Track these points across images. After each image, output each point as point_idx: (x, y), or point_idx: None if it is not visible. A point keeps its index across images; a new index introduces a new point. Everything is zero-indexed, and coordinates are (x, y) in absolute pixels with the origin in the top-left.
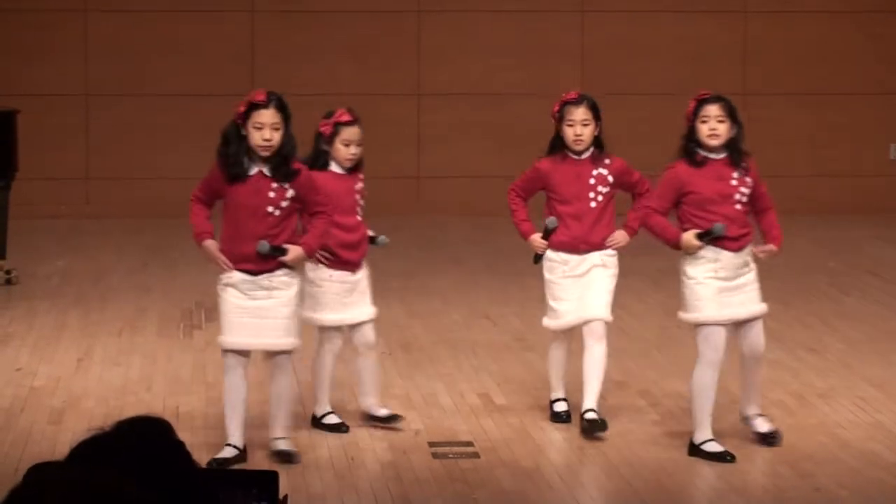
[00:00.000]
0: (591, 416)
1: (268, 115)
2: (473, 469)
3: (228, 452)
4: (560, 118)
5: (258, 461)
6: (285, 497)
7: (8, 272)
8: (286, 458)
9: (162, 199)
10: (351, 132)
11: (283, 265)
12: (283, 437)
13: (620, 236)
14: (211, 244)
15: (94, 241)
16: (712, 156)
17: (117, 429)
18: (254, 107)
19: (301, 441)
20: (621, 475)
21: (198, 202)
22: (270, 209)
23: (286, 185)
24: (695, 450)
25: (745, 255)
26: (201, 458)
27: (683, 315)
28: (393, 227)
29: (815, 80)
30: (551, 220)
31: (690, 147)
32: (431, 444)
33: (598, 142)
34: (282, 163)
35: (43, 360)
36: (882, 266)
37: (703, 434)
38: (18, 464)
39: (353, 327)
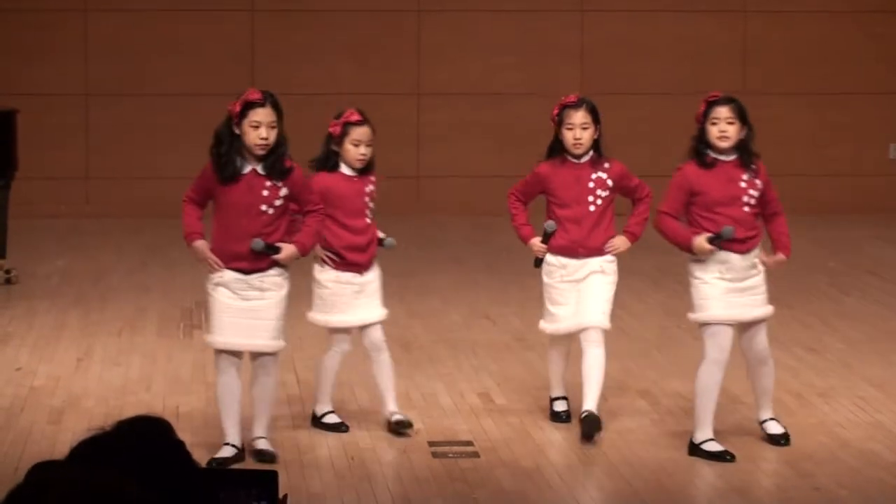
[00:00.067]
0: (587, 414)
1: (264, 114)
2: (473, 469)
3: (227, 452)
4: (559, 122)
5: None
6: (285, 497)
7: (8, 272)
8: (265, 457)
9: (162, 198)
10: (360, 132)
11: (276, 264)
12: (263, 437)
13: (620, 242)
14: (201, 244)
15: (94, 240)
16: (722, 157)
17: (117, 429)
18: (250, 105)
19: (301, 441)
20: (621, 475)
21: (190, 203)
22: (264, 207)
23: (279, 184)
24: (695, 449)
25: (753, 258)
26: (201, 457)
27: (691, 315)
28: (393, 227)
29: (816, 80)
30: (550, 224)
31: (700, 148)
32: (431, 444)
33: (596, 146)
34: (276, 161)
35: (43, 360)
36: (882, 266)
37: (704, 433)
38: (18, 463)
39: (362, 329)
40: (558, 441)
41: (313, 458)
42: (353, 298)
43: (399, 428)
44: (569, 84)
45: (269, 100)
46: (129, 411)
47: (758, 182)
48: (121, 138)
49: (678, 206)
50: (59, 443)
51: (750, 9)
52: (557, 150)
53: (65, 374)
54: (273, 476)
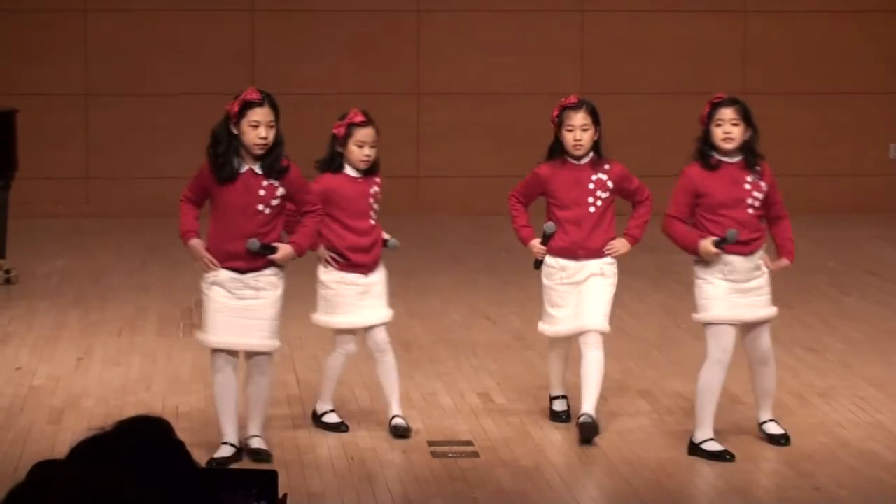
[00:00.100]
0: (584, 419)
1: (263, 113)
2: (473, 468)
3: (226, 451)
4: (559, 123)
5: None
6: (284, 496)
7: (7, 271)
8: (260, 456)
9: (161, 198)
10: (364, 133)
11: (272, 264)
12: (258, 436)
13: (620, 244)
14: (197, 243)
15: (94, 240)
16: (726, 159)
17: (117, 429)
18: (249, 105)
19: (301, 441)
20: (621, 475)
21: (187, 202)
22: (260, 207)
23: (276, 183)
24: (694, 448)
25: (757, 259)
26: (201, 457)
27: (695, 315)
28: (392, 227)
29: (816, 80)
30: (549, 226)
31: (705, 150)
32: (431, 444)
33: (597, 147)
34: (273, 160)
35: (43, 360)
36: (882, 266)
37: (704, 433)
38: (18, 463)
39: (367, 330)
40: (558, 441)
41: (313, 458)
42: (358, 299)
43: (396, 433)
44: (569, 84)
45: (268, 99)
46: (129, 411)
47: (762, 184)
48: (121, 138)
49: (685, 209)
50: (59, 442)
51: (750, 9)
52: (557, 151)
53: (65, 374)
54: (273, 476)
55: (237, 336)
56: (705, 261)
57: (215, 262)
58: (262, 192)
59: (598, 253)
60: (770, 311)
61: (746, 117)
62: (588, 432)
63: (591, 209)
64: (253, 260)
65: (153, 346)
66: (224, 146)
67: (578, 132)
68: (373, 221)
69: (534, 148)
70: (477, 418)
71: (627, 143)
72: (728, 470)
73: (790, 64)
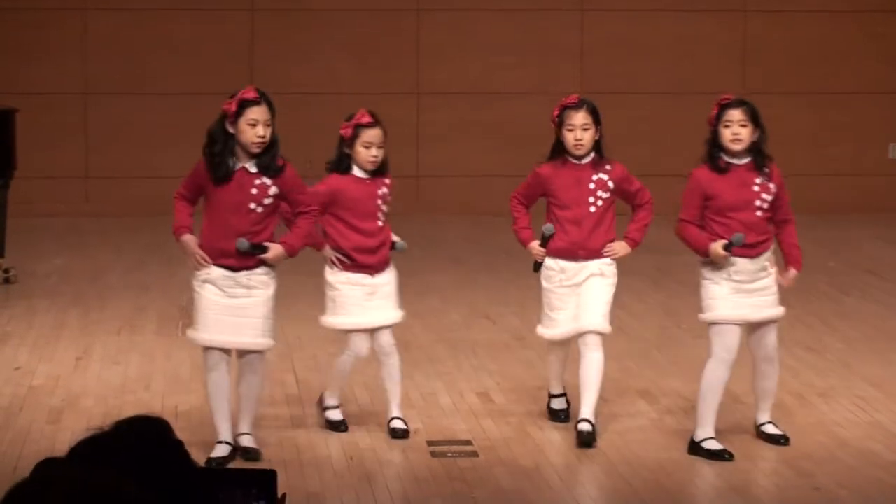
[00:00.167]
0: (582, 426)
1: (260, 112)
2: (472, 468)
3: (223, 450)
4: (560, 123)
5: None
6: (283, 496)
7: (6, 271)
8: (250, 454)
9: (160, 197)
10: (371, 134)
11: (264, 263)
12: (248, 434)
13: (620, 247)
14: (189, 239)
15: (93, 239)
16: (735, 161)
17: (116, 428)
18: (246, 104)
19: (300, 441)
20: (621, 475)
21: (182, 199)
22: (252, 205)
23: (269, 182)
24: (694, 447)
25: (763, 261)
26: (200, 457)
27: (700, 315)
28: (392, 227)
29: (816, 80)
30: (548, 227)
31: (714, 152)
32: (430, 443)
33: (598, 147)
34: (269, 159)
35: (42, 359)
36: (882, 266)
37: (705, 432)
38: (17, 462)
39: (374, 332)
40: (557, 440)
41: (312, 458)
42: (365, 300)
43: (395, 435)
44: (569, 84)
45: (264, 98)
46: (128, 410)
47: (771, 185)
48: (119, 137)
49: (695, 212)
50: (58, 442)
51: (750, 9)
52: (558, 151)
53: (64, 374)
54: (272, 475)
55: (229, 334)
56: (712, 262)
57: (207, 258)
58: (254, 191)
59: (597, 253)
60: (777, 310)
61: (755, 118)
62: (585, 440)
63: (592, 209)
64: (245, 258)
65: (152, 345)
66: (220, 145)
67: (579, 132)
68: (380, 223)
69: (534, 148)
70: (476, 418)
71: (627, 143)
72: (727, 469)
73: (790, 64)
